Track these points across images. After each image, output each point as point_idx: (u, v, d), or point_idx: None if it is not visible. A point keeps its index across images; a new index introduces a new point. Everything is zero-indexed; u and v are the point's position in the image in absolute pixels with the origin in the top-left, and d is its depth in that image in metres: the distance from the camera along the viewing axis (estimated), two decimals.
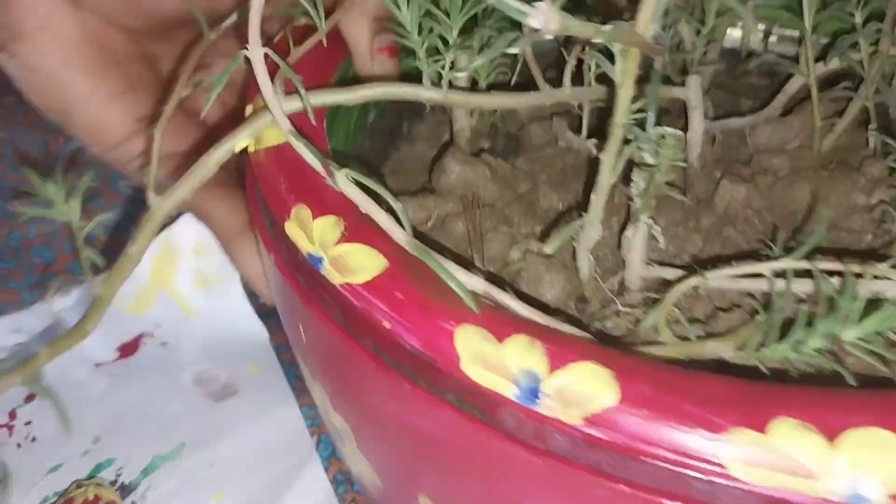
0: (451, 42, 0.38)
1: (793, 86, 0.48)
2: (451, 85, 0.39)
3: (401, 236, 0.31)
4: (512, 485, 0.30)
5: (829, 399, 0.27)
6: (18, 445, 0.54)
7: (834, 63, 0.46)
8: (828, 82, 0.49)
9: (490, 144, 0.50)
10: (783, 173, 0.46)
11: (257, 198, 0.39)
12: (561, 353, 0.28)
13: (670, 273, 0.37)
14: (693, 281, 0.33)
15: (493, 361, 0.28)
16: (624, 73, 0.30)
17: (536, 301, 0.37)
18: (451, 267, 0.30)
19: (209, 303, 0.61)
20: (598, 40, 0.27)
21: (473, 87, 0.46)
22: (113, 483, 0.52)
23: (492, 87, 0.45)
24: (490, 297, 0.31)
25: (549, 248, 0.33)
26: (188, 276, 0.61)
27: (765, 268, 0.33)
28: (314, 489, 0.51)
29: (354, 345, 0.32)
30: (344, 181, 0.33)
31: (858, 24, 0.43)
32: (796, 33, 0.55)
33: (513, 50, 0.25)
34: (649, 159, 0.32)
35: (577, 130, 0.47)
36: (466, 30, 0.41)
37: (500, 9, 0.25)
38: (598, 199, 0.34)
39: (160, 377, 0.58)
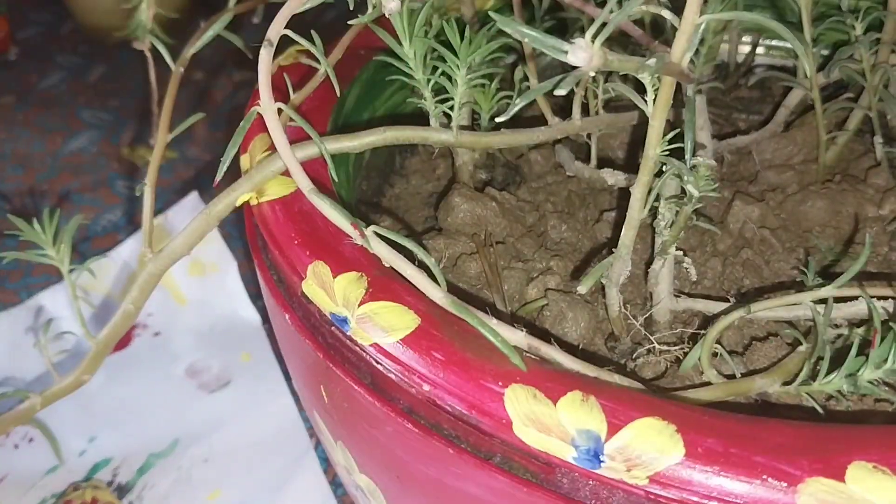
0: (459, 81, 0.37)
1: (792, 99, 0.48)
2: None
3: (436, 293, 0.29)
4: None
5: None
6: (16, 446, 0.53)
7: (834, 74, 0.45)
8: (825, 94, 0.49)
9: (489, 175, 0.48)
10: (792, 189, 0.45)
11: (262, 254, 0.37)
12: (619, 409, 0.27)
13: (701, 305, 0.36)
14: (736, 314, 0.32)
15: (548, 423, 0.27)
16: (658, 104, 0.29)
17: (575, 348, 0.36)
18: (493, 322, 0.29)
19: (203, 290, 0.61)
20: (641, 74, 0.26)
21: (475, 120, 0.45)
22: (109, 483, 0.51)
23: (493, 119, 0.44)
24: (534, 351, 0.30)
25: (582, 289, 0.32)
26: (181, 263, 0.60)
27: (807, 297, 0.32)
28: (312, 488, 0.50)
29: (388, 406, 0.31)
30: (374, 239, 0.31)
31: (859, 35, 0.43)
32: (786, 44, 0.55)
33: (559, 92, 0.23)
34: (692, 189, 0.31)
35: (583, 158, 0.46)
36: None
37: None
38: (628, 234, 0.33)
39: (153, 370, 0.58)
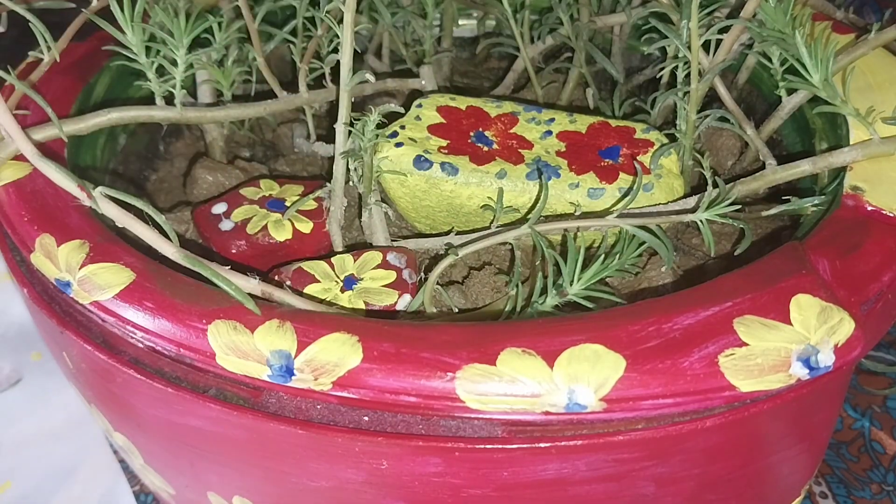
0: (179, 62, 0.39)
1: (519, 64, 0.52)
2: (195, 102, 0.40)
3: (168, 248, 0.31)
4: (285, 461, 0.31)
5: (550, 328, 0.30)
6: None
7: (548, 40, 0.50)
8: (553, 55, 0.54)
9: (251, 153, 0.51)
10: None
11: (4, 237, 0.38)
12: (310, 329, 0.30)
13: (413, 244, 0.40)
14: (448, 261, 0.36)
15: (246, 349, 0.30)
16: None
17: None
18: (227, 273, 0.31)
19: None
20: None
21: (220, 97, 0.47)
22: None
23: (237, 98, 0.47)
24: (268, 296, 0.32)
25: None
26: None
27: (508, 236, 0.36)
28: (103, 470, 0.51)
29: (116, 359, 0.33)
30: (101, 198, 0.33)
31: (555, 1, 0.48)
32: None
33: None
34: (361, 142, 0.35)
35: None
36: (202, 43, 0.42)
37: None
38: (337, 167, 0.37)
39: None
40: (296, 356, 0.29)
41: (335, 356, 0.29)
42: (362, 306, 0.36)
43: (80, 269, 0.33)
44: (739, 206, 0.37)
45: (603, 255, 0.34)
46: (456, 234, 0.40)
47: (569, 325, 0.30)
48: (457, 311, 0.38)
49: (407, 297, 0.36)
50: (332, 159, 0.40)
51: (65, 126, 0.39)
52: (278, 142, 0.51)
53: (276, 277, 0.36)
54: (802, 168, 0.39)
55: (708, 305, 0.30)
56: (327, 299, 0.36)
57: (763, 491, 0.34)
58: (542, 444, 0.29)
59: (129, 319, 0.31)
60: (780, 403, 0.30)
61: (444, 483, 0.30)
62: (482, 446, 0.29)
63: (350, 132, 0.39)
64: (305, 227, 0.40)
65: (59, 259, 0.34)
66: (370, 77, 0.37)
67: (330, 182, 0.40)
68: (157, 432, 0.34)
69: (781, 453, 0.33)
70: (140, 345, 0.32)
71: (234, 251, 0.39)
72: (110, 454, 0.51)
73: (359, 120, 0.38)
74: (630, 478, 0.30)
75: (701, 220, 0.35)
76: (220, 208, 0.40)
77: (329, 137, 0.48)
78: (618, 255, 0.36)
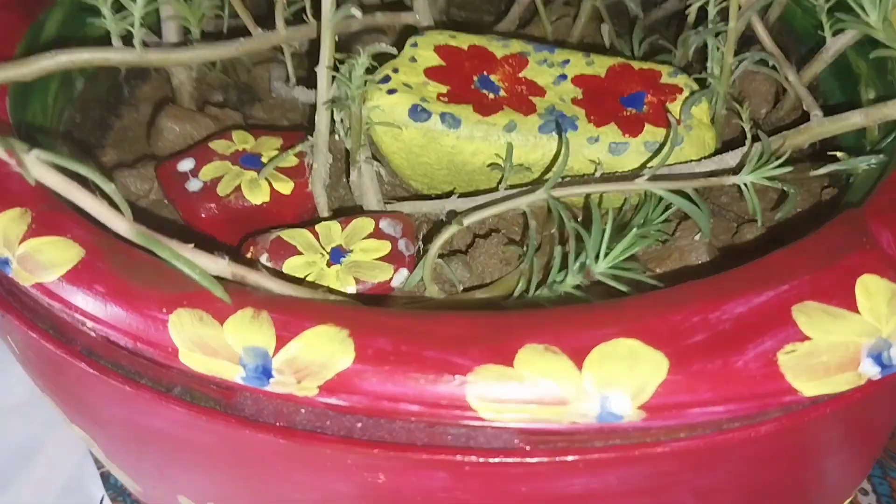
0: None
1: None
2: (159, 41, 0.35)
3: (119, 224, 0.26)
4: (265, 470, 0.27)
5: (575, 318, 0.25)
6: None
7: None
8: None
9: (223, 97, 0.45)
10: None
11: None
12: (291, 321, 0.25)
13: (409, 206, 0.35)
14: (451, 230, 0.31)
15: (214, 345, 0.25)
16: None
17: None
18: (190, 253, 0.26)
19: None
20: None
21: (187, 36, 0.41)
22: None
23: (206, 36, 0.41)
24: (240, 279, 0.27)
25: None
26: None
27: (521, 203, 0.31)
28: (68, 450, 0.47)
29: (65, 350, 0.28)
30: (36, 164, 0.28)
31: None
32: None
33: None
34: (349, 89, 0.30)
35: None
36: None
37: None
38: (320, 119, 0.32)
39: None
40: (274, 354, 0.24)
41: (321, 355, 0.24)
42: (352, 283, 0.31)
43: (19, 243, 0.28)
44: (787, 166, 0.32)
45: (634, 227, 0.29)
46: (459, 197, 0.35)
47: (598, 314, 0.25)
48: (461, 288, 0.33)
49: (403, 273, 0.32)
50: (314, 107, 0.35)
51: (5, 71, 0.33)
52: (254, 84, 0.45)
53: (251, 249, 0.31)
54: (854, 120, 0.34)
55: (761, 289, 0.26)
56: (311, 276, 0.31)
57: (812, 499, 0.30)
58: (568, 458, 0.24)
59: (77, 306, 0.27)
60: (843, 406, 0.25)
61: (452, 499, 0.26)
62: (497, 459, 0.24)
63: (334, 77, 0.33)
64: (285, 187, 0.35)
65: None
66: (356, 13, 0.31)
67: (312, 135, 0.35)
68: (118, 430, 0.30)
69: (837, 457, 0.29)
70: (95, 335, 0.27)
71: (203, 215, 0.34)
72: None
73: (344, 62, 0.33)
74: (667, 492, 0.26)
75: (745, 184, 0.30)
76: (186, 165, 0.35)
77: (311, 81, 0.42)
78: (645, 222, 0.31)
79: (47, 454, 0.46)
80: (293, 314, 0.25)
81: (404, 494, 0.26)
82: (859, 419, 0.27)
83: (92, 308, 0.26)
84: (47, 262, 0.27)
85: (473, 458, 0.24)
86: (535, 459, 0.24)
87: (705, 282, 0.26)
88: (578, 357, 0.24)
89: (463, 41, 0.38)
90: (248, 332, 0.25)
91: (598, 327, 0.25)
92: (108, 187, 0.26)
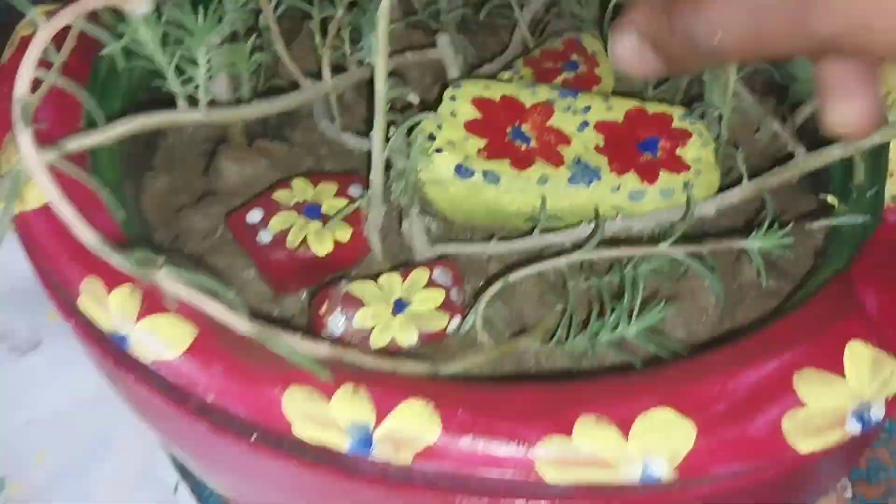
0: (200, 60, 0.37)
1: (526, 16, 0.50)
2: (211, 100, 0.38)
3: (241, 325, 0.30)
4: None
5: (619, 388, 0.31)
6: None
7: None
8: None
9: (264, 122, 0.49)
10: None
11: (38, 264, 0.37)
12: (385, 395, 0.30)
13: (453, 248, 0.40)
14: (499, 285, 0.36)
15: (323, 420, 0.30)
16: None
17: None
18: (295, 341, 0.30)
19: None
20: None
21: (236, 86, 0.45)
22: None
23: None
24: (338, 358, 0.32)
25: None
26: None
27: (560, 263, 0.36)
28: (137, 439, 0.52)
29: (180, 409, 0.33)
30: (167, 280, 0.31)
31: None
32: None
33: None
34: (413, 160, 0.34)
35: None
36: None
37: None
38: (375, 177, 0.37)
39: None
40: (374, 429, 0.30)
41: (414, 429, 0.30)
42: (415, 333, 0.36)
43: (136, 321, 0.32)
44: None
45: (662, 301, 0.34)
46: (499, 241, 0.40)
47: (637, 385, 0.31)
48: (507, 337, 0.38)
49: (457, 320, 0.37)
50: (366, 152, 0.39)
51: (89, 139, 0.36)
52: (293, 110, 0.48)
53: (327, 304, 0.36)
54: (834, 153, 0.39)
55: (767, 359, 0.31)
56: (378, 326, 0.36)
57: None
58: None
59: (196, 381, 0.31)
60: (830, 451, 0.32)
61: None
62: None
63: (388, 139, 0.37)
64: (343, 234, 0.39)
65: (110, 308, 0.33)
66: (414, 98, 0.35)
67: (362, 176, 0.39)
68: (223, 470, 0.35)
69: (820, 481, 0.35)
70: (207, 399, 0.32)
71: (275, 266, 0.39)
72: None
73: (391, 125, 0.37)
74: None
75: (754, 251, 0.36)
76: (255, 216, 0.39)
77: (348, 120, 0.46)
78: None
79: (119, 444, 0.51)
80: (386, 388, 0.30)
81: None
82: (843, 456, 0.34)
83: (211, 384, 0.31)
84: (165, 340, 0.32)
85: None
86: None
87: (721, 352, 0.32)
88: (625, 427, 0.30)
89: (496, 91, 0.42)
90: (351, 407, 0.30)
91: (638, 397, 0.30)
92: (230, 295, 0.30)
